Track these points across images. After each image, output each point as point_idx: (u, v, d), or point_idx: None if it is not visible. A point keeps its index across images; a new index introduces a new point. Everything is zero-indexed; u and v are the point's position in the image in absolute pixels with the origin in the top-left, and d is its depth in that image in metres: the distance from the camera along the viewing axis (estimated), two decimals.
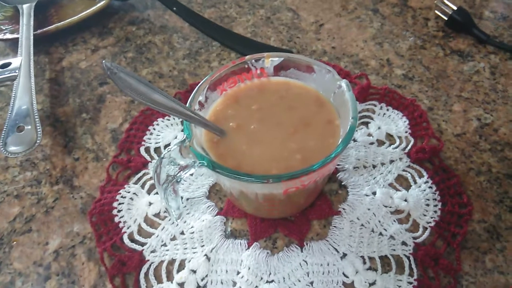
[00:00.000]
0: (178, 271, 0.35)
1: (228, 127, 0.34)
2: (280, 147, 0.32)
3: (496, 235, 0.36)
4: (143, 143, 0.44)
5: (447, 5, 0.54)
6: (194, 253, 0.36)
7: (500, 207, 0.37)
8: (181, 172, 0.29)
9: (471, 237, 0.36)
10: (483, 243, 0.35)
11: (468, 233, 0.36)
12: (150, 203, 0.39)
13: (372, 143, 0.42)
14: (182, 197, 0.39)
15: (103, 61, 0.25)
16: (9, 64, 0.43)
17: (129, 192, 0.40)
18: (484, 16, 0.55)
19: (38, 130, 0.42)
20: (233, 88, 0.37)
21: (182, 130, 0.45)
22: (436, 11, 0.55)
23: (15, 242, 0.39)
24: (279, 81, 0.37)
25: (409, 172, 0.40)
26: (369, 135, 0.43)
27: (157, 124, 0.46)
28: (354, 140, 0.43)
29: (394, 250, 0.35)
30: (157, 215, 0.39)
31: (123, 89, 0.26)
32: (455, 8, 0.53)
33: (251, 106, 0.35)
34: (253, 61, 0.36)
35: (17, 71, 0.43)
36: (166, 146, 0.44)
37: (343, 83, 0.32)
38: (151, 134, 0.45)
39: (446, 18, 0.53)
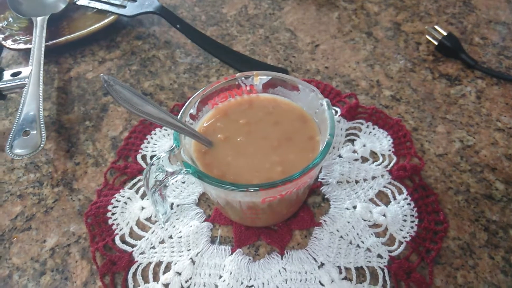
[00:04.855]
0: (164, 272, 0.37)
1: (216, 138, 0.36)
2: (263, 159, 0.35)
3: (469, 253, 0.37)
4: (140, 151, 0.47)
5: (437, 30, 0.56)
6: (180, 256, 0.38)
7: (475, 225, 0.39)
8: (169, 177, 0.32)
9: (445, 253, 0.37)
10: (456, 260, 0.37)
11: (442, 249, 0.38)
12: (143, 208, 0.42)
13: (356, 160, 0.44)
14: (172, 203, 0.42)
15: (101, 74, 0.28)
16: (19, 73, 0.47)
17: (123, 197, 0.43)
18: (474, 42, 0.57)
19: (43, 135, 0.45)
20: (224, 103, 0.39)
21: None
22: (427, 36, 0.57)
23: (15, 239, 0.42)
24: (267, 98, 0.39)
25: (389, 189, 0.42)
26: (354, 151, 0.45)
27: (155, 134, 0.48)
28: (340, 156, 0.45)
29: (370, 262, 0.37)
30: (148, 219, 0.41)
31: (118, 100, 0.28)
32: (445, 33, 0.55)
33: (239, 120, 0.38)
34: (243, 78, 0.38)
35: (26, 79, 0.46)
36: None
37: (325, 102, 0.35)
38: (148, 142, 0.48)
39: (436, 43, 0.56)
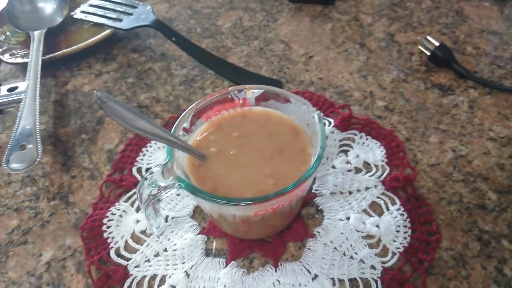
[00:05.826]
0: (159, 286, 0.38)
1: (209, 152, 0.37)
2: (256, 172, 0.35)
3: (462, 263, 0.38)
4: (135, 163, 0.47)
5: (430, 41, 0.57)
6: (175, 269, 0.38)
7: (468, 236, 0.39)
8: (162, 192, 0.32)
9: (438, 264, 0.38)
10: (449, 270, 0.37)
11: (435, 260, 0.38)
12: (138, 221, 0.42)
13: (350, 170, 0.45)
14: (167, 216, 0.42)
15: (94, 91, 0.28)
16: (15, 88, 0.47)
17: (119, 210, 0.43)
18: (466, 52, 0.58)
19: (39, 149, 0.45)
20: (217, 116, 0.40)
21: None
22: (420, 47, 0.58)
23: (11, 253, 0.42)
24: (259, 111, 0.40)
25: (382, 199, 0.42)
26: (348, 162, 0.45)
27: (150, 146, 0.49)
28: (333, 167, 0.45)
29: (363, 273, 0.37)
30: (143, 232, 0.41)
31: (111, 116, 0.29)
32: (437, 44, 0.56)
33: (232, 133, 0.38)
34: (236, 92, 0.39)
35: (22, 94, 0.47)
36: None
37: (316, 115, 0.35)
38: (143, 155, 0.48)
39: (428, 54, 0.56)
